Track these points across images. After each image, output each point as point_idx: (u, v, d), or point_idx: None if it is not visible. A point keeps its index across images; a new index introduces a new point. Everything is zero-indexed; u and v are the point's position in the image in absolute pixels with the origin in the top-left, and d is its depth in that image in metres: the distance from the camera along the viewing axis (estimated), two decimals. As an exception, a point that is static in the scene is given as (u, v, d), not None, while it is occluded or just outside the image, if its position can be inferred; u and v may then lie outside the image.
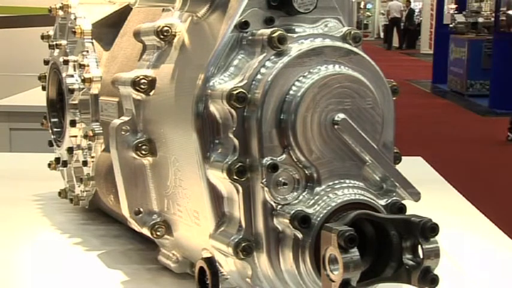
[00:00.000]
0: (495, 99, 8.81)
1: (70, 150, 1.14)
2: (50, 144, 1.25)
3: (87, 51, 1.10)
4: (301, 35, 0.75)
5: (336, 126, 0.72)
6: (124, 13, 1.10)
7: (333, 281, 0.63)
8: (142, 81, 0.86)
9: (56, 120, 1.24)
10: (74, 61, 1.12)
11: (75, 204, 1.16)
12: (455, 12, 12.55)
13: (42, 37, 1.23)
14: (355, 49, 0.75)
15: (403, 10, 22.26)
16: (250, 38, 0.75)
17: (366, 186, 0.74)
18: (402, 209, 0.74)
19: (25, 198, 1.33)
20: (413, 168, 1.06)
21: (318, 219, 0.69)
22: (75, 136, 1.12)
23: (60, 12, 1.17)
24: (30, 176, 1.50)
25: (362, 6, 29.71)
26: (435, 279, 0.67)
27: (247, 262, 0.73)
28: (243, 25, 0.75)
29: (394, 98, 0.78)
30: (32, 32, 3.34)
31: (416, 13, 22.24)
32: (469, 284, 0.96)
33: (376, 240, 0.70)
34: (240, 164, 0.71)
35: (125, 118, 0.90)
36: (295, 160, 0.71)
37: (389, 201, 0.74)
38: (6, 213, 1.25)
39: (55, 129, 1.23)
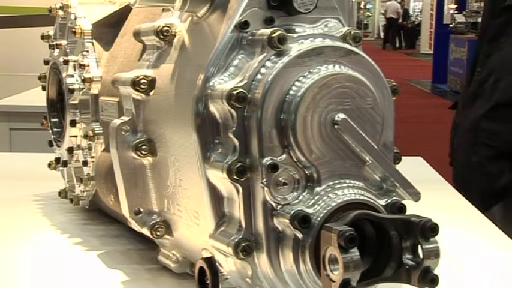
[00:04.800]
0: (495, 99, 8.78)
1: (70, 150, 1.14)
2: (50, 144, 1.25)
3: (87, 51, 1.10)
4: (301, 35, 0.75)
5: (336, 126, 0.71)
6: (124, 13, 1.10)
7: (333, 281, 0.63)
8: (142, 81, 0.86)
9: (56, 120, 1.24)
10: (74, 61, 1.12)
11: (75, 204, 1.16)
12: (455, 12, 12.56)
13: (42, 37, 1.23)
14: (355, 49, 0.75)
15: (400, 11, 22.23)
16: (250, 38, 0.75)
17: (366, 186, 0.73)
18: (402, 209, 0.74)
19: (25, 198, 1.33)
20: (413, 168, 1.06)
21: (318, 219, 0.69)
22: (75, 136, 1.12)
23: (60, 12, 1.17)
24: (30, 176, 1.50)
25: (362, 6, 29.73)
26: (435, 279, 0.67)
27: (247, 262, 0.73)
28: (243, 25, 0.75)
29: (394, 98, 0.78)
30: (32, 32, 3.35)
31: (416, 13, 22.22)
32: (469, 284, 0.96)
33: (376, 240, 0.70)
34: (240, 164, 0.71)
35: (125, 118, 0.90)
36: (295, 160, 0.71)
37: (389, 201, 0.74)
38: (6, 213, 1.25)
39: (55, 129, 1.23)
